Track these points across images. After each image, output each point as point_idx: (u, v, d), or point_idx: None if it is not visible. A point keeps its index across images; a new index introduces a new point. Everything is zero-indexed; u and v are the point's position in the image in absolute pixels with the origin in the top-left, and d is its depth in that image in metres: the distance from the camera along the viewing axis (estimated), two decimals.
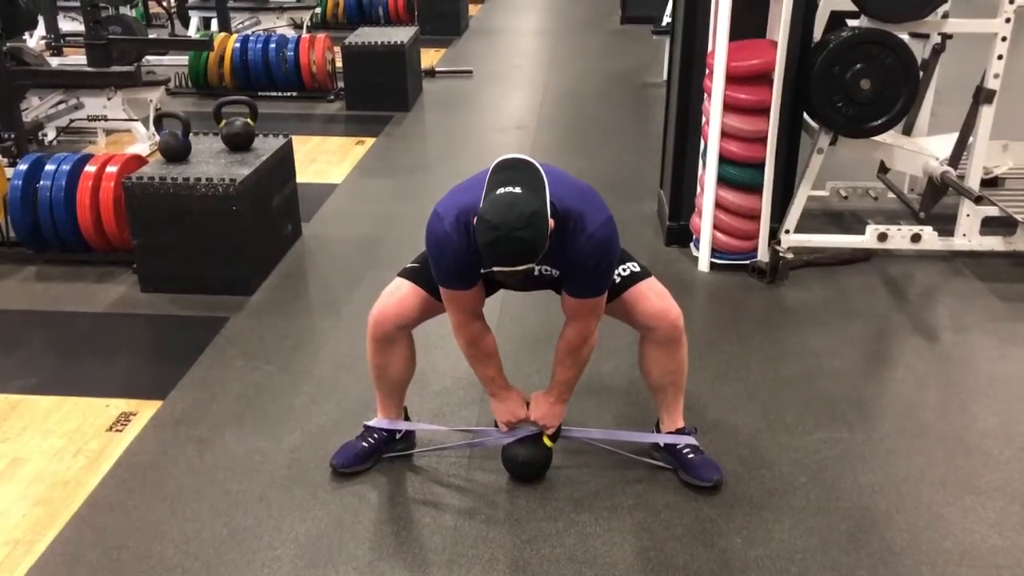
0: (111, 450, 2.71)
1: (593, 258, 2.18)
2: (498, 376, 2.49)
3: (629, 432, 2.70)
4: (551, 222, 2.06)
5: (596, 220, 2.17)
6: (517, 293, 2.67)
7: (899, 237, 3.91)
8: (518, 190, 2.04)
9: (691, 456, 2.54)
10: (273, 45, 6.90)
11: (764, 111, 3.65)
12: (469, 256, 2.17)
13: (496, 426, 2.59)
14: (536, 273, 2.23)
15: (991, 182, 4.13)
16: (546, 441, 2.54)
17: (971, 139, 3.82)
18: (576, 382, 2.50)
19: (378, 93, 6.62)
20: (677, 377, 2.53)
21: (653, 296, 2.42)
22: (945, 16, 3.75)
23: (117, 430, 2.81)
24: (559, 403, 2.51)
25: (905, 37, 3.72)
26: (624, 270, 2.42)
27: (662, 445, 2.59)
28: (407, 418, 2.69)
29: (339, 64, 6.91)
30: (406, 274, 2.47)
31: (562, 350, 2.42)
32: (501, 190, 2.05)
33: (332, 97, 6.96)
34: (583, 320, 2.34)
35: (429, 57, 8.23)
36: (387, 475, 2.59)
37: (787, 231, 3.89)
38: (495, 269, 2.07)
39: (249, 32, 7.84)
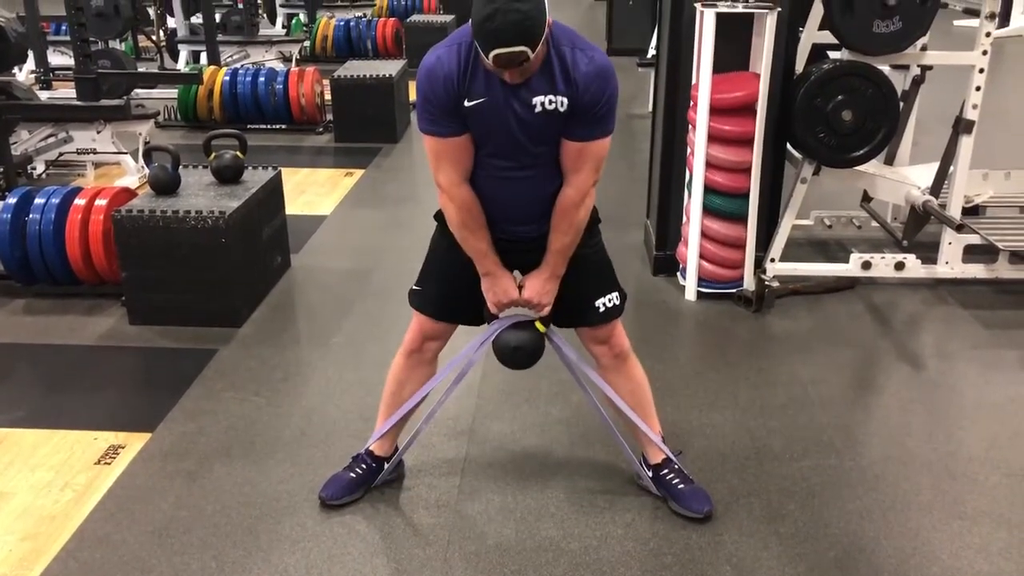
0: (99, 483, 2.70)
1: (596, 83, 2.10)
2: (490, 251, 2.32)
3: (616, 397, 2.55)
4: (548, 19, 2.00)
5: (594, 50, 2.14)
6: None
7: (883, 265, 3.95)
8: None
9: (681, 486, 2.55)
10: (262, 78, 6.95)
11: (748, 142, 3.70)
12: (460, 78, 2.10)
13: (488, 319, 2.45)
14: (539, 108, 2.11)
15: (972, 210, 4.19)
16: (538, 326, 2.42)
17: (952, 168, 3.88)
18: (570, 251, 2.32)
19: (367, 125, 6.67)
20: (641, 396, 2.55)
21: (614, 332, 2.49)
22: (924, 48, 3.82)
23: (105, 463, 2.80)
24: (552, 279, 2.35)
25: (886, 69, 3.79)
26: (609, 301, 2.43)
27: (650, 475, 2.60)
28: (396, 448, 2.68)
29: (328, 97, 6.96)
30: (412, 303, 2.50)
31: (558, 212, 2.27)
32: None
33: (321, 129, 7.01)
34: (584, 172, 2.21)
35: None
36: (376, 506, 2.59)
37: (772, 260, 3.92)
38: (493, 54, 1.97)
39: (238, 65, 7.89)
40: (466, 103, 2.13)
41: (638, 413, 2.55)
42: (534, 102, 2.11)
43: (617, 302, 2.45)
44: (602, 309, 2.42)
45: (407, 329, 2.53)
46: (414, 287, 2.50)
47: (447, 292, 2.46)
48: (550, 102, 2.12)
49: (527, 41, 1.96)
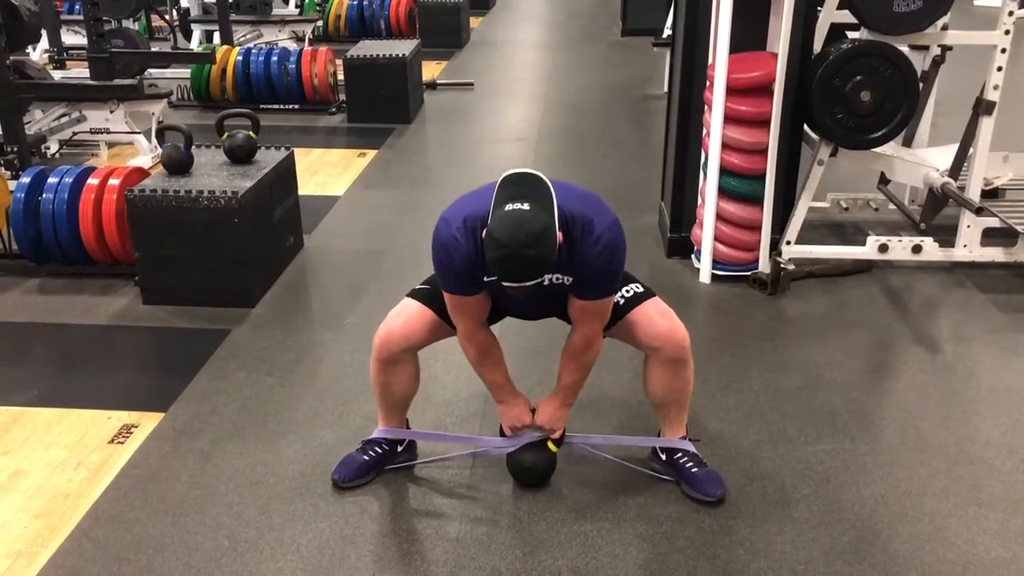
0: (113, 462, 2.71)
1: (602, 259, 2.19)
2: (506, 383, 2.51)
3: (630, 437, 2.72)
4: (559, 235, 2.08)
5: (603, 223, 2.18)
6: (521, 330, 2.67)
7: (900, 248, 3.91)
8: (527, 206, 2.04)
9: (694, 469, 2.54)
10: (275, 58, 6.93)
11: (765, 123, 3.66)
12: (476, 261, 2.18)
13: (501, 433, 2.61)
14: (547, 283, 2.23)
15: (991, 193, 4.14)
16: (551, 446, 2.55)
17: (971, 150, 3.83)
18: (581, 387, 2.51)
19: (380, 105, 6.65)
20: (681, 396, 2.54)
21: (657, 316, 2.41)
22: (945, 28, 3.77)
23: (119, 442, 2.81)
24: (564, 407, 2.53)
25: (905, 49, 3.74)
26: (627, 291, 2.43)
27: (663, 458, 2.59)
28: (408, 429, 2.69)
29: (341, 77, 6.94)
30: (416, 295, 2.48)
31: (567, 354, 2.44)
32: (510, 206, 2.05)
33: (334, 110, 6.98)
34: (589, 324, 2.35)
35: (430, 70, 8.26)
36: (389, 487, 2.59)
37: (788, 242, 3.89)
38: (505, 284, 2.08)
39: (251, 45, 7.87)
40: (484, 279, 2.24)
41: (674, 410, 2.56)
42: (544, 279, 2.17)
43: (639, 290, 2.45)
44: (622, 301, 2.41)
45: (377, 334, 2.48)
46: (421, 286, 2.50)
47: None
48: (557, 279, 2.25)
49: (538, 276, 2.06)
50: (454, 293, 2.30)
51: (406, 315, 2.45)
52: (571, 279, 2.26)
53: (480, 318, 2.38)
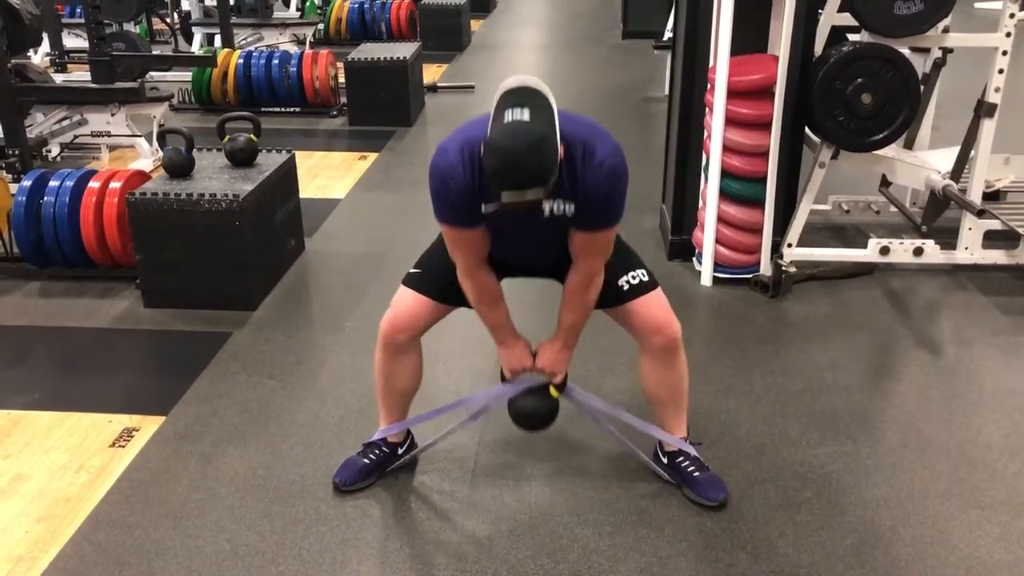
0: (114, 466, 2.70)
1: (605, 186, 2.11)
2: (506, 323, 2.42)
3: (632, 416, 2.61)
4: (560, 149, 2.00)
5: (605, 149, 2.11)
6: (518, 285, 2.55)
7: (901, 251, 3.91)
8: (526, 115, 1.95)
9: (696, 473, 2.53)
10: (276, 61, 6.93)
11: (766, 125, 3.66)
12: (473, 188, 2.11)
13: (503, 380, 2.52)
14: (547, 213, 2.15)
15: (993, 195, 4.13)
16: (552, 392, 2.46)
17: (973, 152, 3.83)
18: (582, 328, 2.40)
19: (381, 108, 6.64)
20: (677, 392, 2.53)
21: (657, 307, 2.42)
22: (946, 30, 3.76)
23: (120, 446, 2.81)
24: (565, 349, 2.43)
25: (906, 51, 3.73)
26: (633, 278, 2.41)
27: (665, 462, 2.59)
28: (409, 432, 2.68)
29: (342, 80, 6.94)
30: (408, 282, 2.47)
31: (568, 292, 2.35)
32: (509, 115, 1.96)
33: (335, 112, 6.98)
34: (591, 258, 2.26)
35: (431, 72, 8.26)
36: (390, 490, 2.59)
37: (789, 245, 3.89)
38: (503, 196, 1.98)
39: (252, 48, 7.87)
40: (481, 208, 2.16)
41: (671, 407, 2.54)
42: (544, 207, 2.13)
43: (645, 279, 2.42)
44: (627, 287, 2.39)
45: (381, 323, 2.48)
46: (413, 270, 2.49)
47: (453, 278, 2.44)
48: (559, 207, 2.16)
49: (538, 185, 1.95)
50: (452, 225, 2.21)
51: (403, 303, 2.44)
52: (573, 207, 2.15)
53: (479, 255, 2.29)
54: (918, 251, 3.90)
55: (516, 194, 1.95)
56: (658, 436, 2.59)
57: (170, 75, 7.64)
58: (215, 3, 8.17)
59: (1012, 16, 3.58)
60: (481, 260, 2.31)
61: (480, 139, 2.05)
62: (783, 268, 3.79)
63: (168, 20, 8.87)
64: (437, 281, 2.43)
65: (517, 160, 1.91)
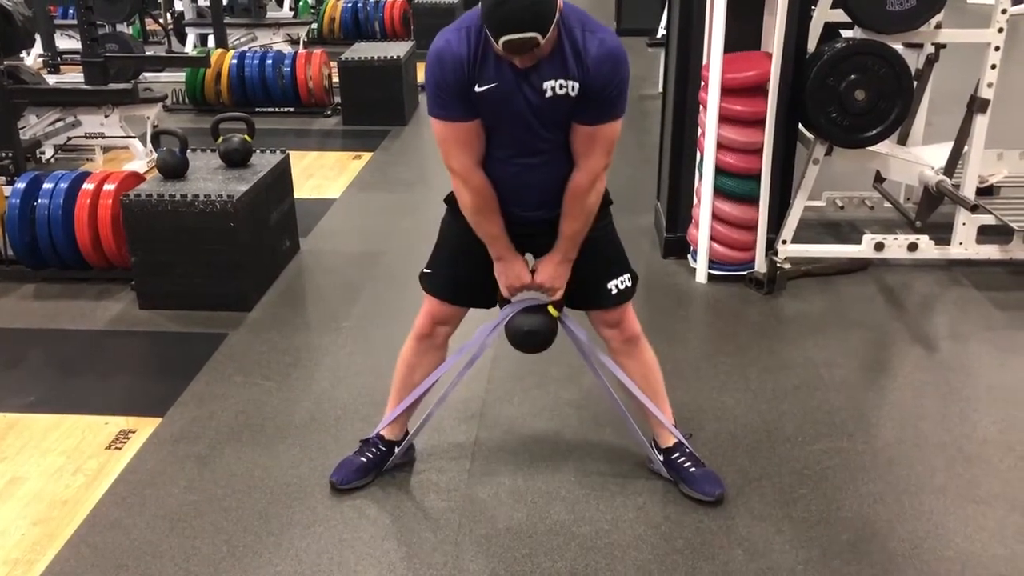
0: (110, 468, 2.70)
1: (607, 64, 2.07)
2: (503, 235, 2.32)
3: (613, 364, 2.55)
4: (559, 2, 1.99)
5: (605, 30, 2.11)
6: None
7: (896, 246, 3.92)
8: None
9: (692, 469, 2.54)
10: (270, 61, 6.92)
11: (760, 122, 3.66)
12: (469, 61, 2.08)
13: (500, 304, 2.46)
14: (550, 93, 2.09)
15: (986, 191, 4.14)
16: (551, 311, 2.41)
17: (966, 148, 3.84)
18: (582, 237, 2.31)
19: (375, 108, 6.64)
20: (652, 379, 2.54)
21: (625, 316, 2.48)
22: (938, 26, 3.77)
23: (116, 448, 2.80)
24: (564, 262, 2.35)
25: (899, 47, 3.74)
26: (621, 283, 2.42)
27: (661, 459, 2.59)
28: (406, 431, 2.68)
29: (336, 79, 6.94)
30: (428, 286, 2.48)
31: (569, 197, 2.25)
32: None
33: (329, 112, 6.98)
34: (593, 156, 2.20)
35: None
36: (387, 490, 2.59)
37: (784, 241, 3.89)
38: (502, 40, 1.95)
39: (246, 48, 7.86)
40: (476, 88, 2.10)
41: (650, 397, 2.54)
42: (544, 87, 2.09)
43: (629, 284, 2.44)
44: (614, 292, 2.41)
45: (418, 313, 2.51)
46: (425, 270, 2.49)
47: (459, 275, 2.44)
48: (560, 87, 2.09)
49: (538, 27, 1.93)
50: (448, 118, 2.15)
51: (437, 302, 2.47)
52: (577, 87, 2.09)
53: (476, 154, 2.21)
54: (912, 247, 3.90)
55: (515, 36, 1.92)
56: (654, 412, 2.55)
57: (164, 76, 7.62)
58: (208, 3, 8.16)
59: (1004, 12, 3.59)
60: (477, 162, 2.23)
61: (478, 19, 2.03)
62: (778, 265, 3.80)
63: (161, 21, 8.85)
64: (447, 283, 2.46)
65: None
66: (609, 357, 2.53)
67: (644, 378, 2.53)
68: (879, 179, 4.55)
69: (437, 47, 2.12)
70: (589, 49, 2.07)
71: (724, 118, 3.69)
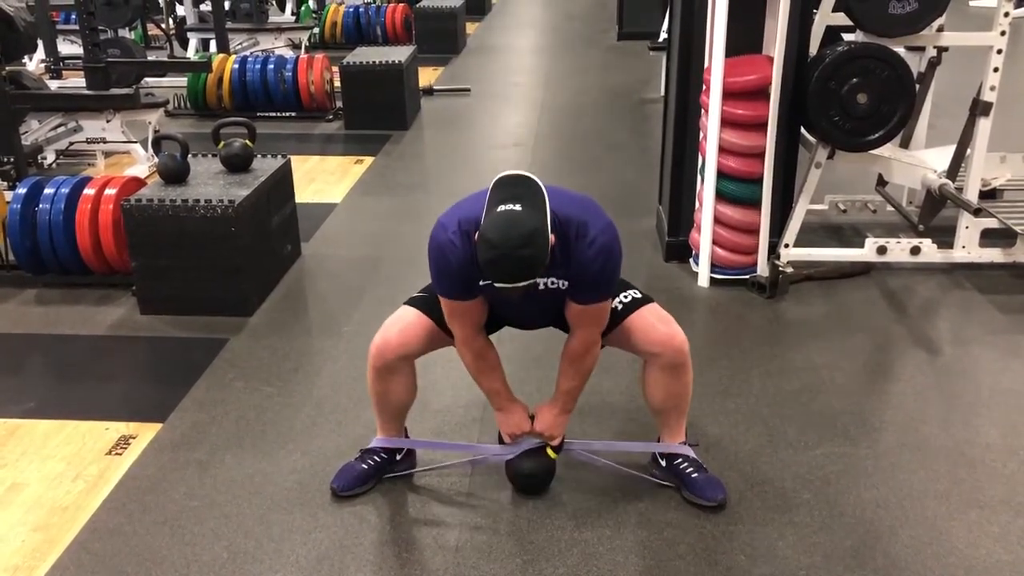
0: (111, 474, 2.69)
1: (597, 263, 2.19)
2: (503, 389, 2.50)
3: (630, 443, 2.72)
4: (552, 237, 2.08)
5: (597, 226, 2.19)
6: (520, 338, 2.67)
7: (898, 250, 3.91)
8: (518, 207, 2.05)
9: (695, 475, 2.53)
10: (271, 66, 6.93)
11: (761, 126, 3.66)
12: (471, 263, 2.17)
13: (500, 440, 2.60)
14: (542, 287, 2.24)
15: (989, 194, 4.13)
16: (550, 453, 2.54)
17: (969, 151, 3.83)
18: (579, 392, 2.50)
19: (377, 112, 6.65)
20: (681, 401, 2.53)
21: (656, 322, 2.41)
22: (941, 29, 3.76)
23: (116, 454, 2.80)
24: (563, 414, 2.52)
25: (901, 51, 3.74)
26: (625, 297, 2.43)
27: (663, 464, 2.58)
28: (407, 437, 2.68)
29: (337, 84, 6.94)
30: (413, 303, 2.47)
31: (566, 360, 2.43)
32: (501, 207, 2.06)
33: (330, 117, 6.98)
34: (587, 328, 2.35)
35: (427, 75, 8.26)
36: (388, 496, 2.58)
37: (786, 245, 3.88)
38: (497, 285, 2.08)
39: (247, 53, 7.87)
40: (479, 283, 2.24)
41: (674, 415, 2.55)
42: (538, 282, 2.20)
43: (637, 296, 2.45)
44: (620, 307, 2.41)
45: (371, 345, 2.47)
46: (418, 294, 2.50)
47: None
48: (552, 283, 2.25)
49: (533, 275, 2.08)
50: (451, 298, 2.30)
51: (403, 323, 2.44)
52: (567, 283, 2.25)
53: (477, 324, 2.38)
54: (915, 250, 3.89)
55: (510, 287, 2.06)
56: (659, 450, 2.60)
57: (165, 81, 7.64)
58: (210, 8, 8.17)
59: (1007, 14, 3.58)
60: (479, 329, 2.39)
61: (476, 218, 2.13)
62: (780, 269, 3.79)
63: (163, 26, 8.86)
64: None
65: (509, 254, 2.01)
66: (649, 369, 2.48)
67: (677, 397, 2.50)
68: (881, 182, 4.54)
69: (440, 242, 2.22)
70: (578, 254, 2.19)
71: (726, 122, 3.68)
